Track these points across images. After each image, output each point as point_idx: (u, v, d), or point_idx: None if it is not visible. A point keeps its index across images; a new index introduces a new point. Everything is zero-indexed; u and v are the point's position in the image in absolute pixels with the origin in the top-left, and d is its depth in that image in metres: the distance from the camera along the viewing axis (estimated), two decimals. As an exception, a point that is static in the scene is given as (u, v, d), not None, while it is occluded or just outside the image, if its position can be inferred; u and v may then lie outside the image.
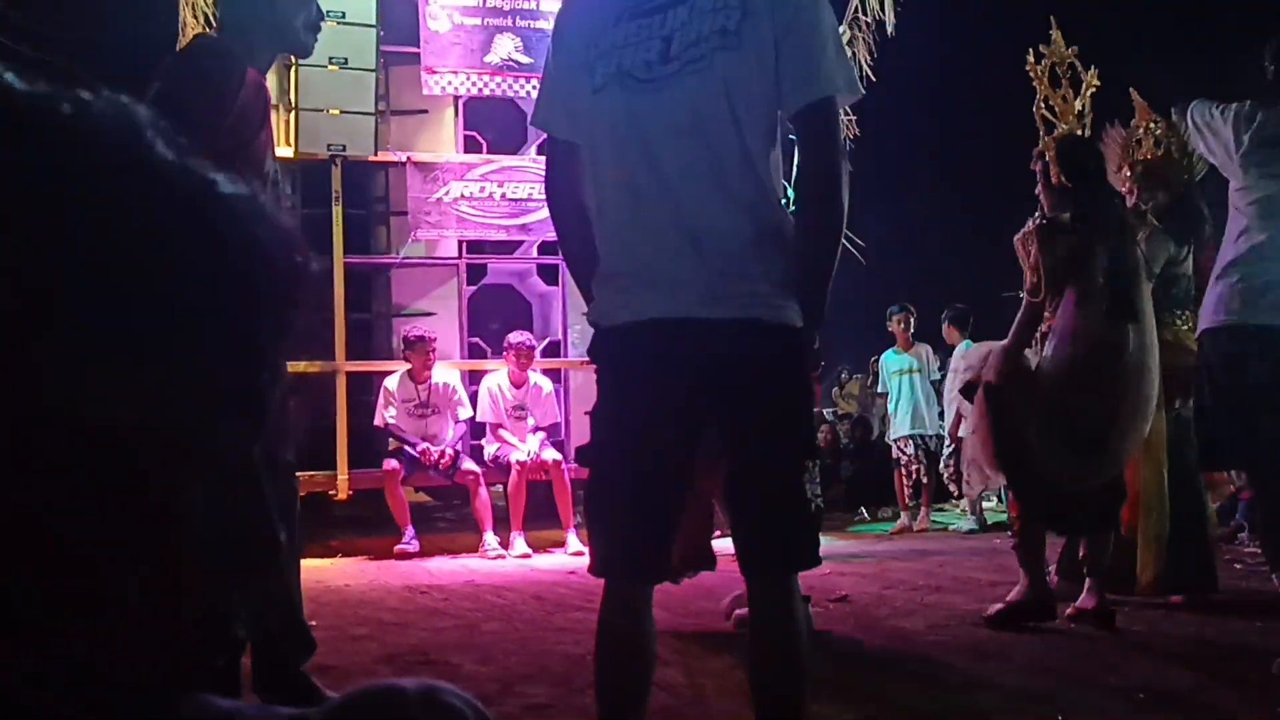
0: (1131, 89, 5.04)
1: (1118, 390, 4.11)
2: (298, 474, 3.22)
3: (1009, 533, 4.50)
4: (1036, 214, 4.41)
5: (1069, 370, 4.15)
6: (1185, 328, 4.69)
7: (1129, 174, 4.82)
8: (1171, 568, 4.54)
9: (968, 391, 4.47)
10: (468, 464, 7.05)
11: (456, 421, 7.26)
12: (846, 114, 7.87)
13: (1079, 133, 4.85)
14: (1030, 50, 5.06)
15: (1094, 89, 4.98)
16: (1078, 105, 4.97)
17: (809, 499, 2.05)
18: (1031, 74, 5.01)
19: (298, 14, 2.81)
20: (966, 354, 7.26)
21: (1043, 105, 4.98)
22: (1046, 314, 4.29)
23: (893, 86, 7.89)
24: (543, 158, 2.36)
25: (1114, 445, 4.12)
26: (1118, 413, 4.09)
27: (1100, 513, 4.24)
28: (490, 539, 6.79)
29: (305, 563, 3.32)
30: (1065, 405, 4.13)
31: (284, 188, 7.08)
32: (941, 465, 8.43)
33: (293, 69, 6.89)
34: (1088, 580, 4.20)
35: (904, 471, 8.40)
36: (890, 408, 8.70)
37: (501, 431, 7.21)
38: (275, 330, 0.47)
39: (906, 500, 8.36)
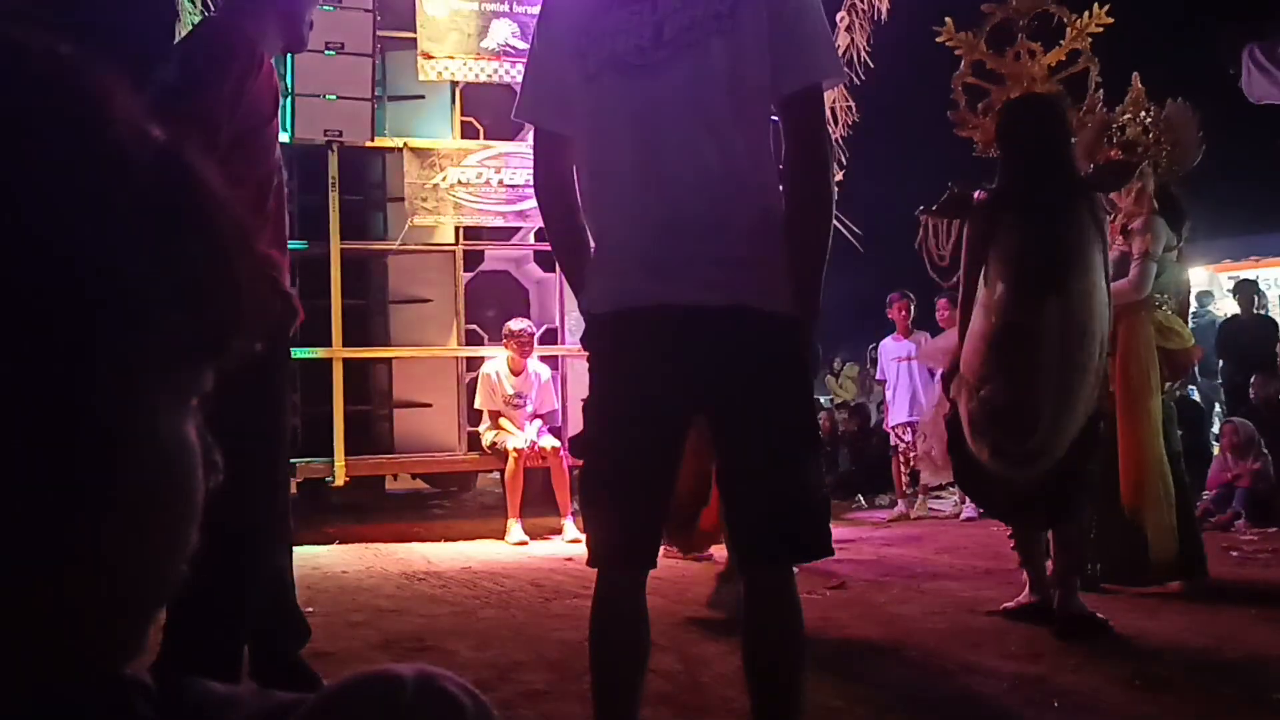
0: (1135, 74, 4.96)
1: (1032, 373, 3.74)
2: (294, 460, 3.23)
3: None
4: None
5: (977, 347, 3.88)
6: (1170, 311, 4.69)
7: (1114, 155, 4.76)
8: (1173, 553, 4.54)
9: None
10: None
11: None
12: (846, 99, 7.88)
13: (1049, 89, 4.61)
14: (947, 19, 4.68)
15: (1097, 30, 4.66)
16: (1052, 59, 4.71)
17: (809, 488, 2.04)
18: (954, 44, 4.62)
19: (308, 8, 2.79)
20: (932, 342, 7.21)
21: (970, 74, 4.61)
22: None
23: (888, 71, 7.87)
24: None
25: (1044, 436, 3.72)
26: (1039, 399, 3.72)
27: (1058, 504, 3.87)
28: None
29: (302, 549, 3.32)
30: (980, 384, 3.84)
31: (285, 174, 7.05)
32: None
33: (289, 54, 6.85)
34: (1060, 582, 3.91)
35: (901, 459, 8.40)
36: (888, 394, 8.71)
37: (499, 419, 7.21)
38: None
39: (904, 487, 8.37)
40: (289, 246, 2.92)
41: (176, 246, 0.44)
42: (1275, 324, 9.63)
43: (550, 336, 8.01)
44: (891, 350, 8.60)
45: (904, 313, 8.50)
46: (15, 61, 0.42)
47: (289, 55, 6.80)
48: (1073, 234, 3.79)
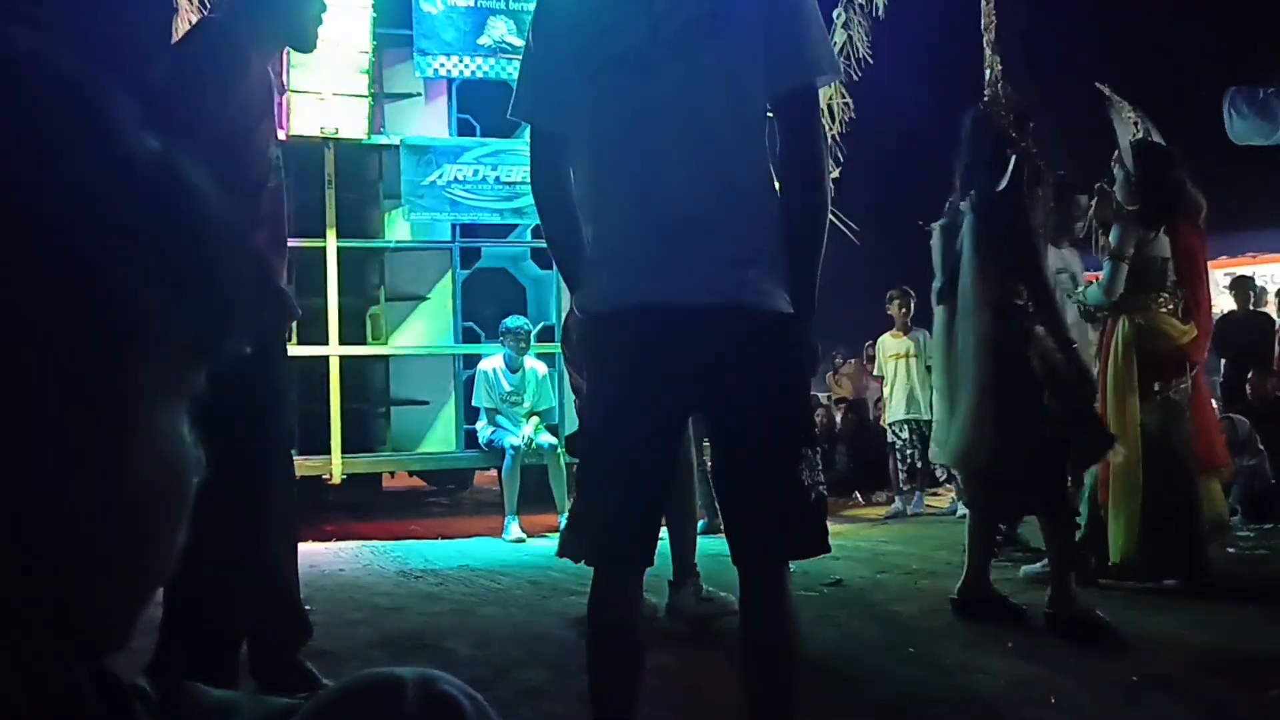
0: (1101, 84, 4.97)
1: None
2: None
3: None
4: None
5: None
6: (1164, 310, 4.68)
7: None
8: (1159, 552, 4.54)
9: None
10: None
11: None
12: (843, 96, 7.88)
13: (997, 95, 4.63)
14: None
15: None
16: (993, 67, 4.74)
17: (806, 486, 2.03)
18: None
19: (311, 7, 2.77)
20: None
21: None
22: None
23: (887, 68, 7.87)
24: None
25: (935, 429, 4.02)
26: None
27: (1020, 496, 4.01)
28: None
29: (299, 547, 3.31)
30: None
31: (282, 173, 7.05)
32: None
33: (285, 51, 6.85)
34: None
35: (898, 455, 8.40)
36: (886, 392, 8.71)
37: (497, 417, 7.21)
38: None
39: (900, 484, 8.37)
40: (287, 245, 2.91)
41: (172, 253, 0.44)
42: (1272, 320, 9.63)
43: (548, 334, 8.02)
44: (890, 347, 8.60)
45: (903, 309, 8.50)
46: (19, 72, 0.42)
47: (286, 52, 6.80)
48: (957, 246, 4.08)
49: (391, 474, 9.47)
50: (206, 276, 0.46)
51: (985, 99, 4.41)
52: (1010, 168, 4.02)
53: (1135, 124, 4.89)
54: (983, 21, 4.70)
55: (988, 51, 4.57)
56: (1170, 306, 4.68)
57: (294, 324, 2.79)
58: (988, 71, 4.52)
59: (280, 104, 7.02)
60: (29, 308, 0.40)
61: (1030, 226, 4.09)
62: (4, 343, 0.40)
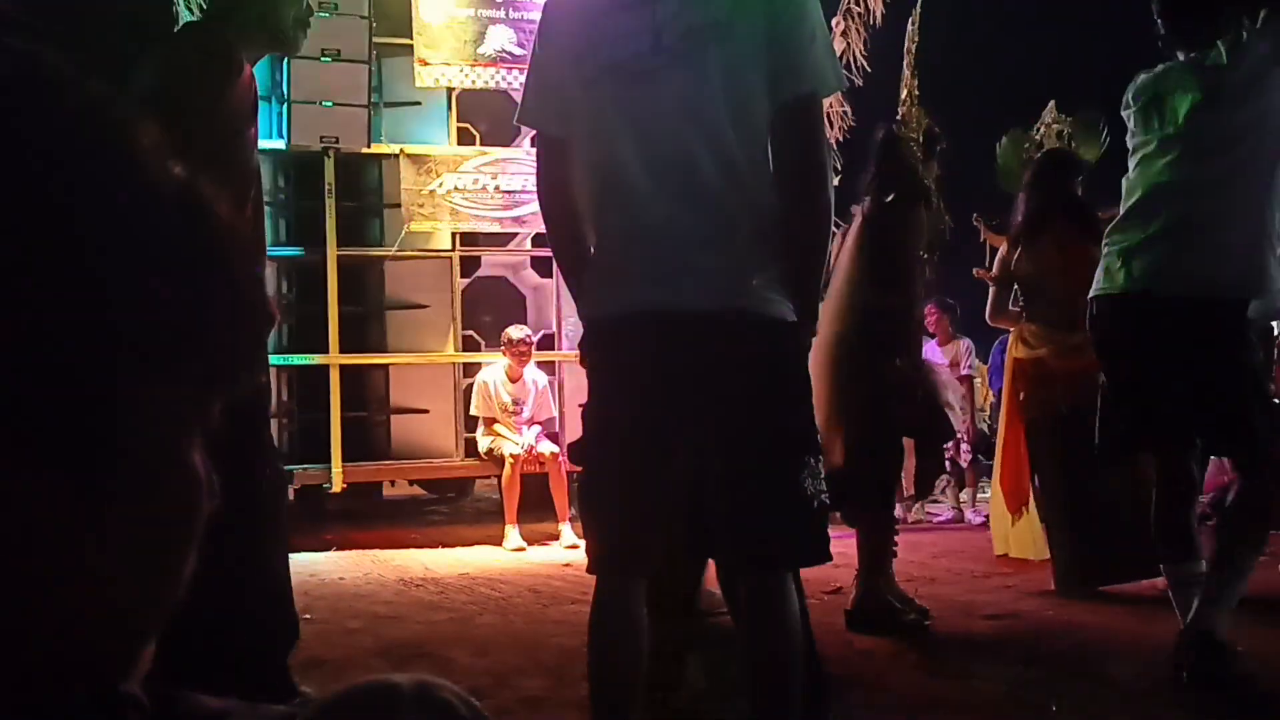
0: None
1: None
2: (291, 468, 3.21)
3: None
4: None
5: None
6: (1040, 326, 4.76)
7: None
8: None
9: None
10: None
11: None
12: (843, 104, 7.90)
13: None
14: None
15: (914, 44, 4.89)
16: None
17: (807, 494, 2.03)
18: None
19: (290, 9, 2.77)
20: None
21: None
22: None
23: (884, 75, 7.88)
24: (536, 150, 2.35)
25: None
26: None
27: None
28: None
29: (299, 556, 3.30)
30: None
31: (263, 181, 7.00)
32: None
33: (285, 61, 6.86)
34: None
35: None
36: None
37: (496, 425, 7.20)
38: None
39: (900, 492, 8.35)
40: (270, 253, 2.91)
41: (197, 281, 0.44)
42: (1270, 328, 9.62)
43: (547, 342, 8.02)
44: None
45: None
46: (49, 98, 0.42)
47: (285, 62, 6.81)
48: (843, 255, 4.21)
49: (392, 482, 9.46)
50: (231, 307, 0.45)
51: (897, 118, 4.54)
52: (904, 185, 4.21)
53: (1061, 134, 4.97)
54: (905, 44, 4.81)
55: (906, 73, 4.68)
56: (1047, 321, 4.71)
57: (275, 329, 2.79)
58: (903, 91, 4.62)
59: (279, 113, 7.05)
60: (42, 330, 0.40)
61: (909, 242, 4.26)
62: (17, 365, 0.39)
